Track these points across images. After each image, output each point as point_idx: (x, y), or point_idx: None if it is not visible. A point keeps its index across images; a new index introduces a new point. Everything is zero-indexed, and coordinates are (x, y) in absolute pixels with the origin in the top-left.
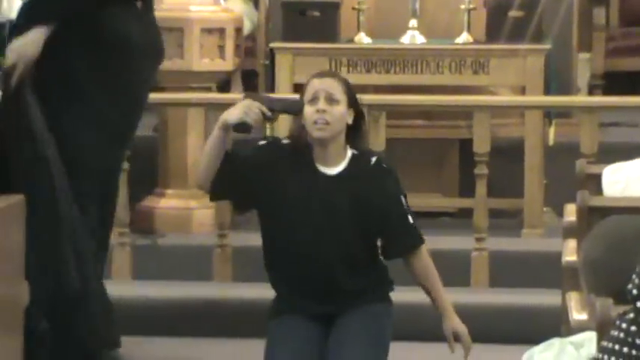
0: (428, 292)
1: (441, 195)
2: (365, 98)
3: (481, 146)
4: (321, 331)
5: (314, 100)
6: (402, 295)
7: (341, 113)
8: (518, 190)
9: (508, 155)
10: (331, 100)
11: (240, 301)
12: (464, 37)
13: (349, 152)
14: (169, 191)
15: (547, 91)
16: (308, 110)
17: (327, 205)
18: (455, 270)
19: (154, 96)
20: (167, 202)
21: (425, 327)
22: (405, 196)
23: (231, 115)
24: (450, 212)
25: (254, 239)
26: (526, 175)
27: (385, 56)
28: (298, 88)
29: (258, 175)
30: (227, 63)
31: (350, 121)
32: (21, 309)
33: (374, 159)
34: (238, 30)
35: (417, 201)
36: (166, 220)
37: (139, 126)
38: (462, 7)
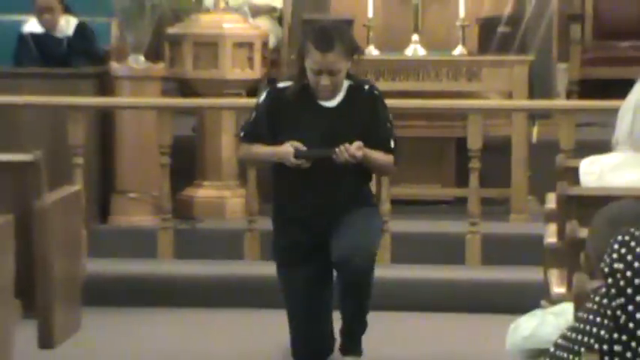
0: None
1: (440, 186)
2: None
3: (474, 143)
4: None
5: (317, 72)
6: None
7: (342, 76)
8: (506, 181)
9: (497, 151)
10: (333, 71)
11: (267, 277)
12: (459, 50)
13: (345, 84)
14: (206, 183)
15: (531, 95)
16: (311, 77)
17: (330, 131)
18: (451, 250)
19: (192, 100)
20: (204, 192)
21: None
22: (390, 117)
23: (283, 161)
24: (447, 200)
25: None
26: (513, 168)
27: (391, 66)
28: None
29: (272, 120)
30: (255, 72)
31: (349, 66)
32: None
33: (367, 87)
34: (265, 44)
35: (419, 191)
36: (203, 208)
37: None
38: (458, 23)
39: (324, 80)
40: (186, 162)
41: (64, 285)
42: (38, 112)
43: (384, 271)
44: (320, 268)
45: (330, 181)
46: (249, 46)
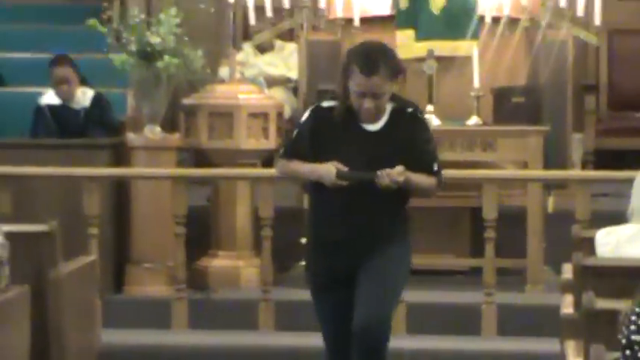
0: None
1: (455, 256)
2: None
3: (489, 213)
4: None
5: (361, 94)
6: None
7: (385, 99)
8: (521, 251)
9: (513, 221)
10: (377, 94)
11: (282, 348)
12: (474, 120)
13: (389, 106)
14: (221, 252)
15: (546, 165)
16: (355, 99)
17: (373, 154)
18: (467, 321)
19: (207, 171)
20: (219, 262)
21: None
22: (433, 140)
23: (323, 179)
24: (462, 271)
25: (293, 294)
26: (528, 239)
27: None
28: None
29: (314, 139)
30: (270, 142)
31: (392, 89)
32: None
33: (410, 110)
34: (280, 114)
35: (434, 261)
36: (218, 278)
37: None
38: (472, 93)
39: (368, 103)
40: (201, 232)
41: (78, 355)
42: (54, 183)
43: (400, 341)
44: (350, 293)
45: (368, 204)
46: (264, 116)
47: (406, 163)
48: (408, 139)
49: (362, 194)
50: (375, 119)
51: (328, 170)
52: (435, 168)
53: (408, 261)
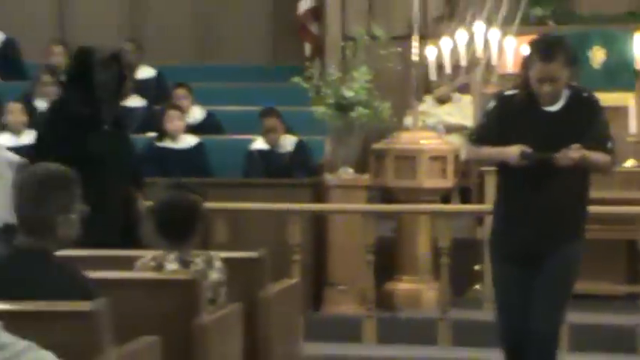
0: None
1: (613, 283)
2: None
3: None
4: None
5: (541, 80)
6: None
7: (562, 83)
8: None
9: None
10: (554, 79)
11: None
12: (630, 162)
13: (566, 92)
14: (404, 277)
15: None
16: (535, 85)
17: (552, 133)
18: (622, 341)
19: (393, 206)
20: (403, 285)
21: None
22: (606, 121)
23: (509, 160)
24: (619, 296)
25: (469, 314)
26: None
27: None
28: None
29: (500, 124)
30: (448, 182)
31: (568, 75)
32: None
33: (585, 94)
34: (457, 157)
35: (593, 287)
36: (402, 299)
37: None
38: (629, 139)
39: (547, 87)
40: (388, 259)
41: None
42: (263, 216)
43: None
44: (528, 274)
45: (552, 185)
46: (443, 159)
47: (582, 141)
48: (584, 119)
49: (546, 174)
50: (553, 102)
51: (513, 152)
52: (610, 146)
53: (580, 260)
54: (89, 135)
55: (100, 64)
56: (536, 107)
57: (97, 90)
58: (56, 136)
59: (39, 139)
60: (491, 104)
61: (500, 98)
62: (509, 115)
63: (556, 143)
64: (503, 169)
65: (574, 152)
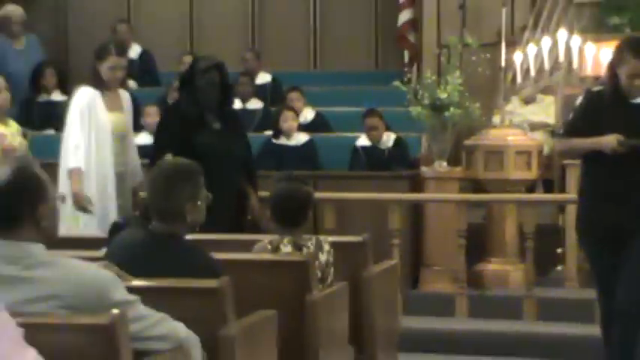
0: None
1: None
2: None
3: None
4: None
5: (633, 75)
6: None
7: None
8: None
9: None
10: None
11: (542, 335)
12: None
13: None
14: (493, 259)
15: None
16: (625, 80)
17: (634, 125)
18: None
19: (483, 196)
20: (492, 267)
21: None
22: None
23: (604, 148)
24: None
25: (551, 292)
26: None
27: None
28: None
29: (590, 117)
30: (532, 174)
31: None
32: None
33: None
34: (540, 152)
35: None
36: (491, 278)
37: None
38: None
39: (638, 82)
40: (478, 243)
41: (384, 336)
42: (366, 205)
43: None
44: (616, 250)
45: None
46: (528, 153)
47: None
48: None
49: (634, 162)
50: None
51: (610, 140)
52: None
53: None
54: (196, 134)
55: (201, 72)
56: (623, 100)
57: (198, 94)
58: (167, 135)
59: (155, 139)
60: (580, 100)
61: (590, 94)
62: (599, 108)
63: None
64: (591, 158)
65: None
